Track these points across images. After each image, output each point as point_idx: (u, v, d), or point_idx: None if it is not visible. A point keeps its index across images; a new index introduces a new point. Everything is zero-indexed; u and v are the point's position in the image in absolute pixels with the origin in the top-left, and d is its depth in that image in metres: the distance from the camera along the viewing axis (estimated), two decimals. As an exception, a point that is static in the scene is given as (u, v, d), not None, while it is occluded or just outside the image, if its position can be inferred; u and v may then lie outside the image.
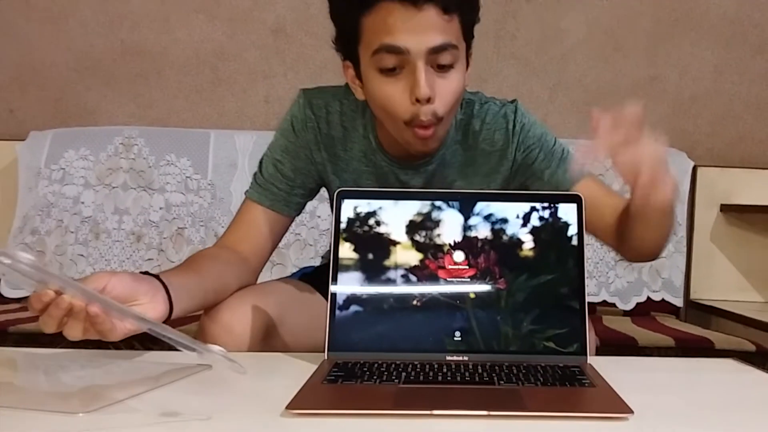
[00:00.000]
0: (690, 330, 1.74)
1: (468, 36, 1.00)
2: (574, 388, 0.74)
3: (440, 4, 0.92)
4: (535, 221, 0.89)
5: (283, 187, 1.13)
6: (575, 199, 0.90)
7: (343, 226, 0.89)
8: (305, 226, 2.02)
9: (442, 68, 0.95)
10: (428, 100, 0.94)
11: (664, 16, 2.25)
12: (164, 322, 0.83)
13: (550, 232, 0.88)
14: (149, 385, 0.76)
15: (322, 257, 1.45)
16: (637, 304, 2.03)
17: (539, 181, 1.11)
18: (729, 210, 2.18)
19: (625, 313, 2.03)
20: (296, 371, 0.81)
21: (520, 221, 0.89)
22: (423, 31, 0.92)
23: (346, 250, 0.88)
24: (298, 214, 1.18)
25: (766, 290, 2.18)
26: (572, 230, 0.88)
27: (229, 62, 2.23)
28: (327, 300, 0.87)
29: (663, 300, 2.04)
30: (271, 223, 1.13)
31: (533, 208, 0.89)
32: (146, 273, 0.91)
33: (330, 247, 0.90)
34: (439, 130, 0.99)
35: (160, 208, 2.00)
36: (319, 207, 2.01)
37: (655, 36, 2.26)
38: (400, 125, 0.98)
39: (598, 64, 2.26)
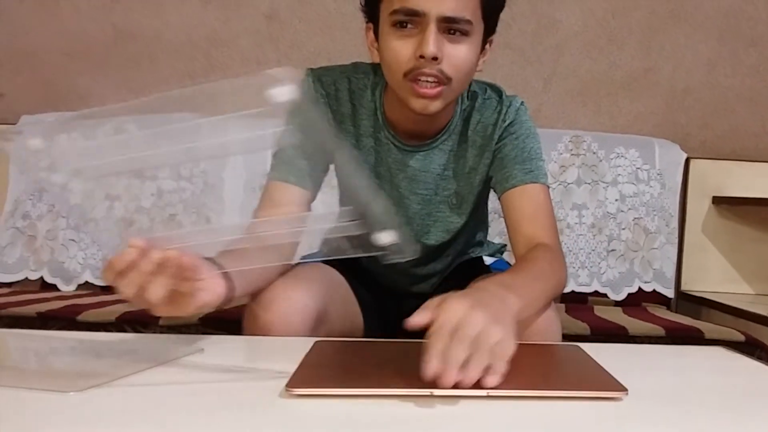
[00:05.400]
0: (680, 320, 1.74)
1: (488, 19, 1.03)
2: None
3: None
4: None
5: (306, 164, 1.11)
6: None
7: None
8: (298, 214, 2.01)
9: (454, 34, 0.98)
10: (435, 59, 0.96)
11: (659, 8, 2.25)
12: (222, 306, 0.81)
13: None
14: (141, 366, 0.76)
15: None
16: (629, 294, 2.04)
17: (499, 172, 1.12)
18: (721, 202, 2.19)
19: (617, 304, 2.03)
20: (289, 354, 0.81)
21: None
22: (441, 2, 0.95)
23: None
24: (317, 192, 1.16)
25: (757, 282, 2.19)
26: None
27: (222, 48, 2.22)
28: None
29: (654, 291, 2.05)
30: (299, 200, 1.10)
31: None
32: None
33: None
34: (445, 94, 1.00)
35: (152, 195, 1.99)
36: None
37: (650, 28, 2.26)
38: (399, 79, 1.00)
39: (592, 55, 2.26)
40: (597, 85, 2.27)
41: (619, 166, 2.10)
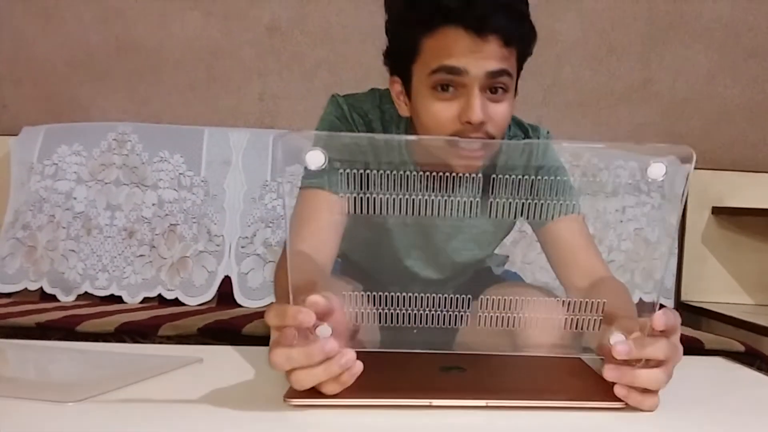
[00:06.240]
0: (680, 330, 1.74)
1: (519, 68, 1.01)
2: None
3: (503, 37, 0.93)
4: None
5: (339, 178, 1.09)
6: None
7: None
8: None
9: (495, 92, 0.96)
10: (480, 124, 0.94)
11: (659, 20, 2.27)
12: None
13: None
14: (140, 376, 0.76)
15: None
16: (636, 304, 2.03)
17: (536, 207, 1.11)
18: (721, 212, 2.19)
19: (617, 314, 2.03)
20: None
21: None
22: (484, 59, 0.93)
23: None
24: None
25: (757, 293, 2.19)
26: None
27: (223, 59, 2.23)
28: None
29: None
30: (340, 209, 1.05)
31: None
32: None
33: None
34: (486, 153, 0.99)
35: (153, 204, 1.99)
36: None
37: (649, 39, 2.27)
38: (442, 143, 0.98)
39: (592, 67, 2.27)
40: (597, 96, 2.27)
41: (619, 176, 2.10)
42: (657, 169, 0.66)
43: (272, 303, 0.68)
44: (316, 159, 0.65)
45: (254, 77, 2.24)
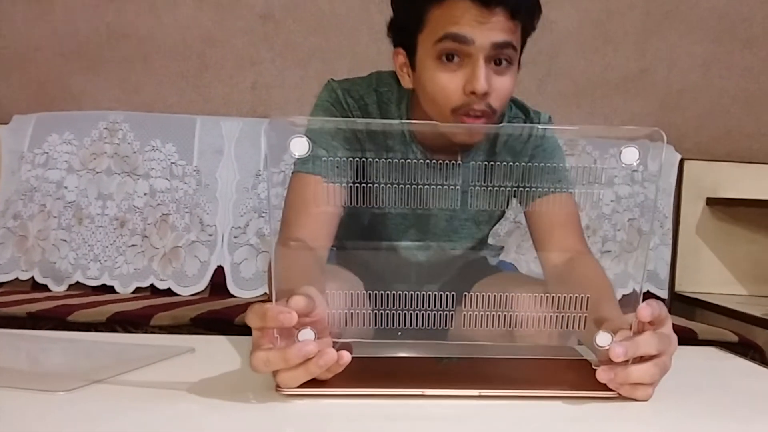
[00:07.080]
0: (674, 321, 1.74)
1: (523, 43, 1.02)
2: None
3: (509, 10, 0.93)
4: None
5: (337, 167, 1.05)
6: None
7: None
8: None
9: (499, 64, 0.96)
10: (484, 95, 0.95)
11: (654, 10, 2.26)
12: None
13: None
14: (131, 366, 0.75)
15: None
16: (623, 296, 2.03)
17: (526, 183, 1.10)
18: (715, 203, 2.19)
19: (611, 305, 2.03)
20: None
21: None
22: (490, 29, 0.93)
23: None
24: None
25: (751, 283, 2.20)
26: None
27: (216, 48, 2.21)
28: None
29: (648, 292, 2.05)
30: (338, 200, 1.02)
31: None
32: None
33: None
34: (489, 124, 0.99)
35: (145, 194, 1.98)
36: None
37: (645, 29, 2.26)
38: (446, 113, 0.98)
39: (587, 56, 2.26)
40: (592, 86, 2.27)
41: (613, 167, 2.09)
42: (630, 154, 0.66)
43: (254, 303, 0.67)
44: (300, 146, 0.64)
45: (247, 66, 2.22)
